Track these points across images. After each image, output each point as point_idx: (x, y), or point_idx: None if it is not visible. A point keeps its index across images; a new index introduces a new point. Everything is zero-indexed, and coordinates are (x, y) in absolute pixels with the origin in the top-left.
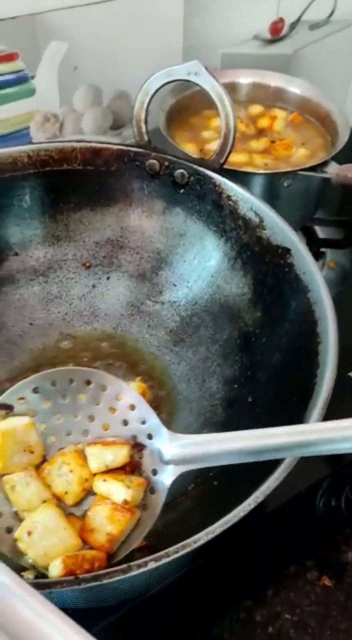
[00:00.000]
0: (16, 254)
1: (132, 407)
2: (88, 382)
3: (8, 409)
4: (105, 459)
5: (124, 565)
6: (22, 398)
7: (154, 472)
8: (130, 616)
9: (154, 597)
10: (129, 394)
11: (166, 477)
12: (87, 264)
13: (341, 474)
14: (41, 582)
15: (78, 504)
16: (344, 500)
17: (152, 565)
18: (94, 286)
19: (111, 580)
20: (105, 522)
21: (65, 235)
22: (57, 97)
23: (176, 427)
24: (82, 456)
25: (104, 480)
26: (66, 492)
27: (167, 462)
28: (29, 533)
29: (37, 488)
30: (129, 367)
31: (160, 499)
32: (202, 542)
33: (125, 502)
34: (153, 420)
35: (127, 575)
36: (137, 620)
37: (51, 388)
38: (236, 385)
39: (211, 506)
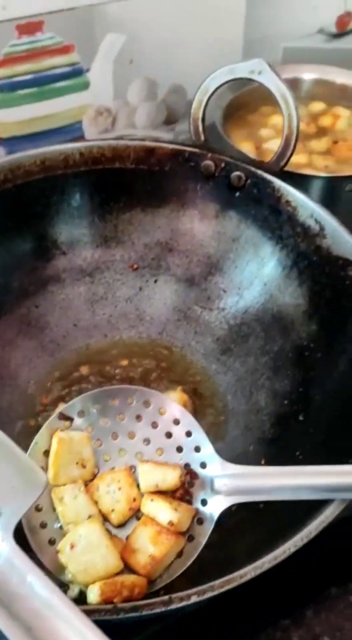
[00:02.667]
0: (63, 253)
1: (189, 434)
2: (147, 404)
3: (68, 419)
4: (156, 478)
5: (166, 597)
6: (82, 412)
7: (204, 503)
8: (162, 633)
9: (188, 614)
10: (187, 419)
11: (215, 508)
12: (135, 266)
13: None
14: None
15: (123, 525)
16: None
17: (194, 599)
18: (140, 289)
19: (151, 612)
20: (149, 544)
21: (114, 235)
22: (111, 91)
23: (221, 440)
24: (133, 476)
25: (152, 500)
26: (113, 510)
27: (218, 492)
28: (72, 546)
29: (85, 502)
30: (173, 375)
31: (207, 530)
32: (249, 577)
33: (171, 523)
34: (207, 448)
35: (168, 608)
36: (170, 637)
37: (112, 405)
38: (286, 401)
39: (256, 532)
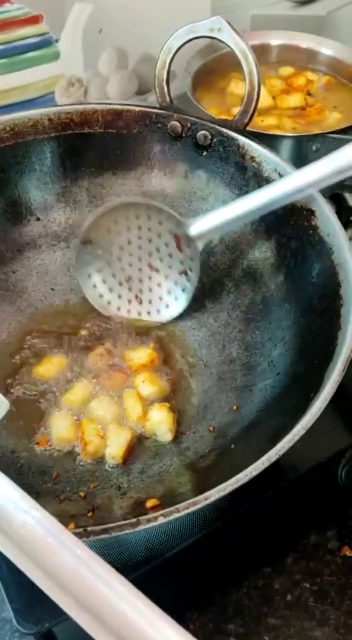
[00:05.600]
0: (38, 219)
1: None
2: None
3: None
4: None
5: (133, 520)
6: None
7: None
8: (146, 577)
9: (172, 559)
10: None
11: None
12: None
13: None
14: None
15: None
16: None
17: (161, 520)
18: None
19: (120, 533)
20: None
21: (86, 200)
22: (82, 61)
23: (195, 392)
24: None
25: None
26: None
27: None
28: None
29: None
30: (149, 332)
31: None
32: (213, 498)
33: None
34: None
35: (136, 529)
36: (154, 582)
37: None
38: (256, 351)
39: (227, 468)
